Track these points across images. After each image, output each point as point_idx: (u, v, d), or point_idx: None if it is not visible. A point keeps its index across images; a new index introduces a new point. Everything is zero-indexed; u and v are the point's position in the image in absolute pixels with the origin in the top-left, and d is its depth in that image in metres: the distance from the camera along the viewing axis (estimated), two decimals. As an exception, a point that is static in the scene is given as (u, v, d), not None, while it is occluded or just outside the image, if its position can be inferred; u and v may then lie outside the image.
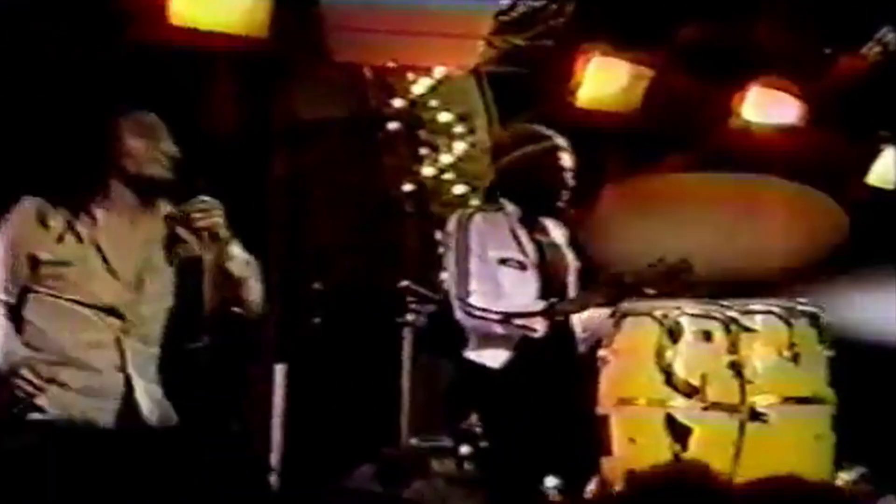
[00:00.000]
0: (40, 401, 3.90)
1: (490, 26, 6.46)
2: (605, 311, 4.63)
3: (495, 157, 5.22)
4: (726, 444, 4.14)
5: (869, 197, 7.67)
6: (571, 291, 5.01)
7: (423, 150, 6.95)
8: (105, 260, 4.05)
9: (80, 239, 4.05)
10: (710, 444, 3.99)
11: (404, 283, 5.83)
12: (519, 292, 4.87)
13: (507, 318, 4.80)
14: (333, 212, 6.85)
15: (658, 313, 4.32)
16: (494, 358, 4.86)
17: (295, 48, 6.38)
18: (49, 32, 5.77)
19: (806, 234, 4.91)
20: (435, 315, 5.27)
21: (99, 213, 4.08)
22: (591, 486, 4.16)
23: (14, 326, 4.03)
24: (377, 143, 6.90)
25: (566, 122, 5.89)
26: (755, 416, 4.21)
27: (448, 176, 6.94)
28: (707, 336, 4.32)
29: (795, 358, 4.32)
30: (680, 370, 4.20)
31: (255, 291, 4.23)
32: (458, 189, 6.84)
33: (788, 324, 4.34)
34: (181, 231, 4.17)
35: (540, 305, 4.86)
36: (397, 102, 6.90)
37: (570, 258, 5.05)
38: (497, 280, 4.85)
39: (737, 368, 4.24)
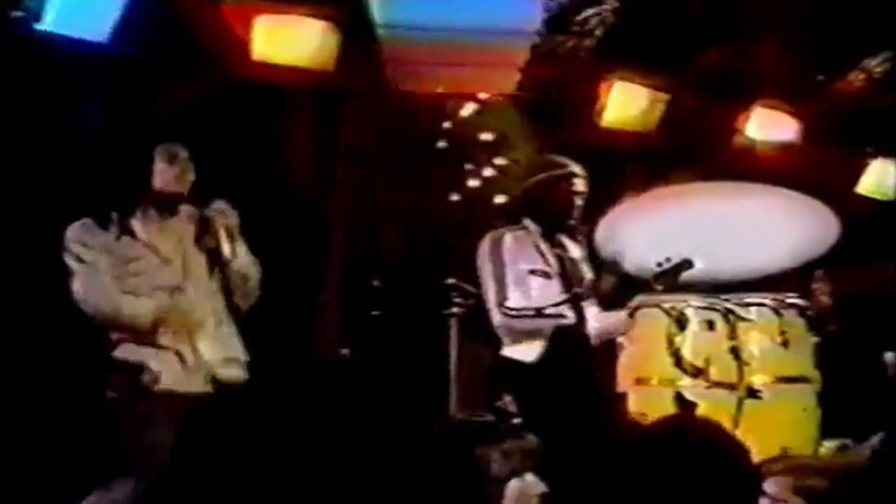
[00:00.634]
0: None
1: (525, 57, 6.54)
2: (617, 314, 4.91)
3: (523, 179, 5.41)
4: (727, 418, 4.36)
5: (858, 205, 7.68)
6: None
7: (469, 166, 7.19)
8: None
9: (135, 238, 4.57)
10: (712, 417, 3.98)
11: (450, 280, 6.17)
12: (545, 295, 5.14)
13: (538, 312, 5.08)
14: (390, 219, 7.05)
15: (667, 305, 4.69)
16: (525, 351, 5.09)
17: (359, 80, 6.59)
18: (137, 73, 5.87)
19: (800, 235, 5.09)
20: (476, 308, 5.44)
21: (135, 224, 4.60)
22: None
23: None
24: (429, 160, 7.10)
25: (590, 142, 6.27)
26: (751, 393, 4.52)
27: (490, 188, 7.11)
28: (710, 325, 4.65)
29: (785, 343, 4.66)
30: (687, 354, 4.63)
31: (253, 290, 4.72)
32: (499, 199, 6.94)
33: (779, 314, 4.71)
34: (205, 228, 4.67)
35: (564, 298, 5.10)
36: (446, 124, 7.14)
37: (586, 270, 5.25)
38: (528, 286, 5.13)
39: (735, 352, 4.59)
